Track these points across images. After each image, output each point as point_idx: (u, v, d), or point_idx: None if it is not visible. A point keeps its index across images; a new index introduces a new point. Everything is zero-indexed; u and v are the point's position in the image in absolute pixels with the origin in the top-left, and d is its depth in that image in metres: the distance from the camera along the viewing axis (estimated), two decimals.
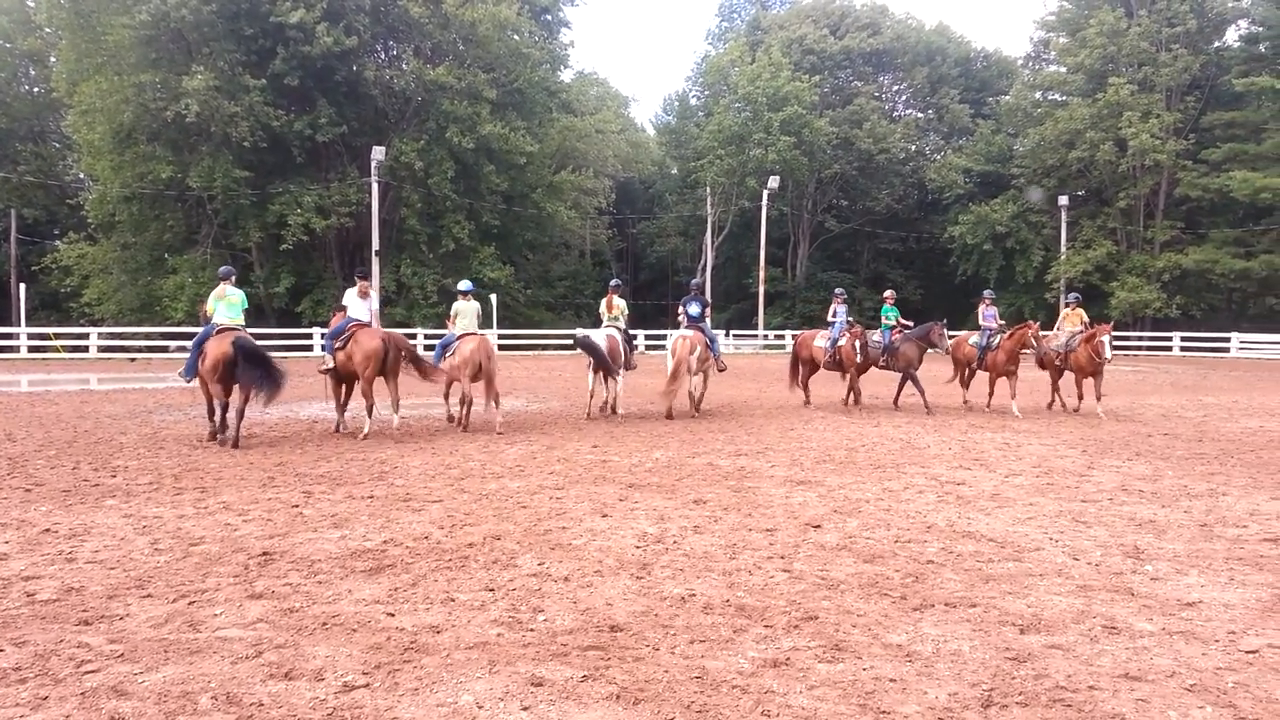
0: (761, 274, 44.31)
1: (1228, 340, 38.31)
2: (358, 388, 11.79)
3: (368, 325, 11.71)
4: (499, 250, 39.52)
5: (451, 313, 12.87)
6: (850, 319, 15.85)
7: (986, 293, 16.40)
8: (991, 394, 15.39)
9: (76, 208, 39.88)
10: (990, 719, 3.56)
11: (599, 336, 13.74)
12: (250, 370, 10.25)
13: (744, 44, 51.83)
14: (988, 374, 15.35)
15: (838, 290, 16.72)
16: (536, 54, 40.52)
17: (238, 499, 7.49)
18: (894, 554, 5.95)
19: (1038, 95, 48.01)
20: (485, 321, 16.73)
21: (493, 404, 12.19)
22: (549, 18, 43.92)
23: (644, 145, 62.14)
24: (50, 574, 5.33)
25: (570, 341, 27.00)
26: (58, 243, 42.18)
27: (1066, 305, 16.53)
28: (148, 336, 32.07)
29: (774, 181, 42.88)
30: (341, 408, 12.16)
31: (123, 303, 36.02)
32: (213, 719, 3.49)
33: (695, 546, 6.08)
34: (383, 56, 40.04)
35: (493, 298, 34.31)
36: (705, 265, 46.57)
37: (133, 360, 28.82)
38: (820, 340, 15.80)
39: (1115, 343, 15.48)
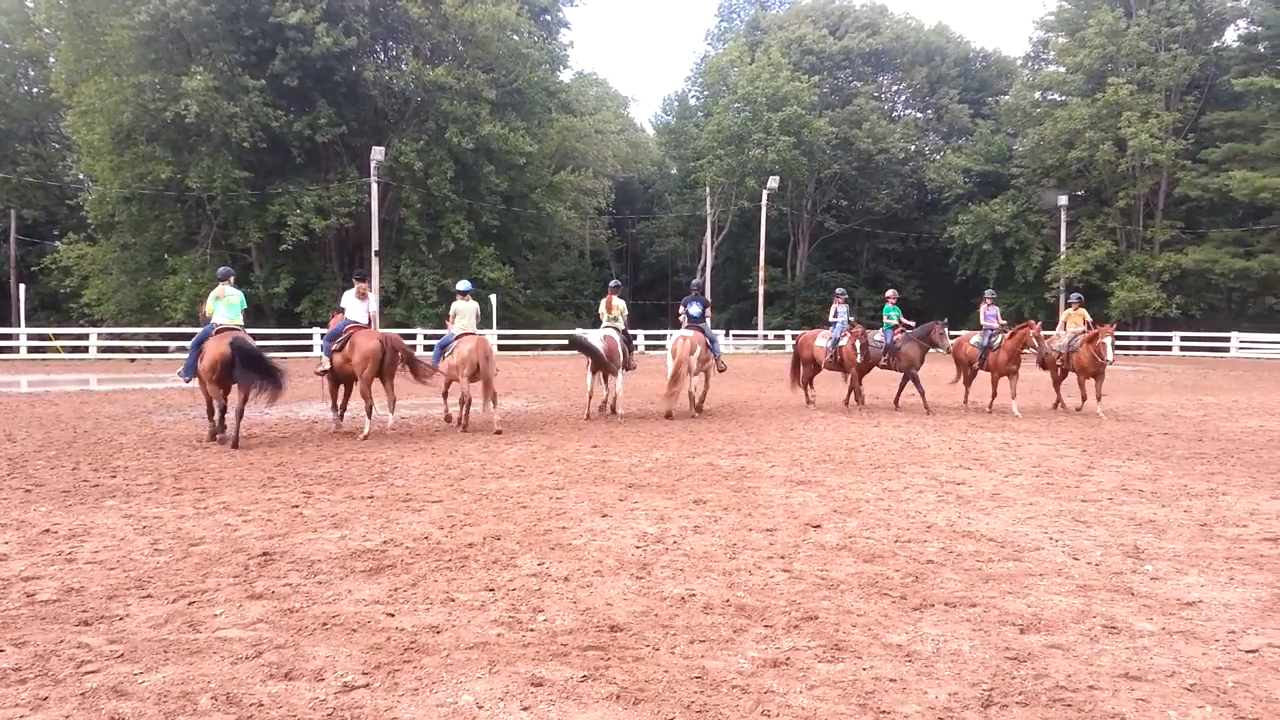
0: (761, 274, 44.30)
1: (1227, 340, 38.32)
2: (356, 389, 11.83)
3: (365, 327, 11.76)
4: (498, 250, 39.51)
5: (451, 313, 12.92)
6: (851, 319, 15.86)
7: (988, 292, 16.37)
8: (994, 394, 15.40)
9: (76, 208, 39.84)
10: (990, 719, 3.56)
11: (595, 336, 13.74)
12: (248, 371, 10.27)
13: (743, 44, 51.83)
14: (989, 374, 15.35)
15: (839, 290, 16.71)
16: (536, 54, 40.53)
17: (238, 499, 7.48)
18: (894, 554, 5.95)
19: (1037, 95, 48.00)
20: (485, 322, 16.75)
21: (490, 404, 12.21)
22: (548, 18, 43.90)
23: (643, 145, 62.11)
24: (50, 574, 5.33)
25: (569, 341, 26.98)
26: (57, 243, 42.12)
27: (1069, 305, 16.50)
28: (147, 337, 32.06)
29: (773, 181, 42.87)
30: (339, 408, 12.20)
31: (122, 303, 36.01)
32: (213, 719, 3.49)
33: (695, 546, 6.08)
34: (382, 57, 40.01)
35: (492, 298, 34.32)
36: (705, 265, 46.54)
37: (132, 361, 28.81)
38: (821, 340, 15.79)
39: (1115, 342, 15.47)
